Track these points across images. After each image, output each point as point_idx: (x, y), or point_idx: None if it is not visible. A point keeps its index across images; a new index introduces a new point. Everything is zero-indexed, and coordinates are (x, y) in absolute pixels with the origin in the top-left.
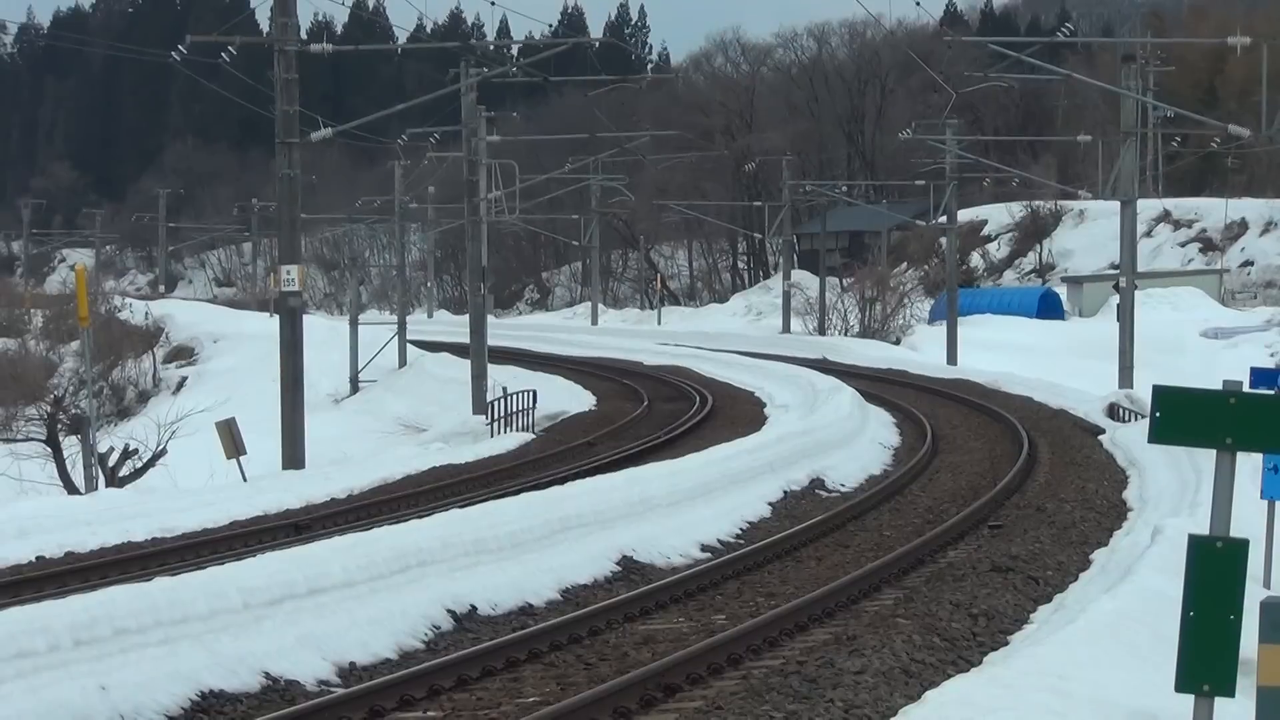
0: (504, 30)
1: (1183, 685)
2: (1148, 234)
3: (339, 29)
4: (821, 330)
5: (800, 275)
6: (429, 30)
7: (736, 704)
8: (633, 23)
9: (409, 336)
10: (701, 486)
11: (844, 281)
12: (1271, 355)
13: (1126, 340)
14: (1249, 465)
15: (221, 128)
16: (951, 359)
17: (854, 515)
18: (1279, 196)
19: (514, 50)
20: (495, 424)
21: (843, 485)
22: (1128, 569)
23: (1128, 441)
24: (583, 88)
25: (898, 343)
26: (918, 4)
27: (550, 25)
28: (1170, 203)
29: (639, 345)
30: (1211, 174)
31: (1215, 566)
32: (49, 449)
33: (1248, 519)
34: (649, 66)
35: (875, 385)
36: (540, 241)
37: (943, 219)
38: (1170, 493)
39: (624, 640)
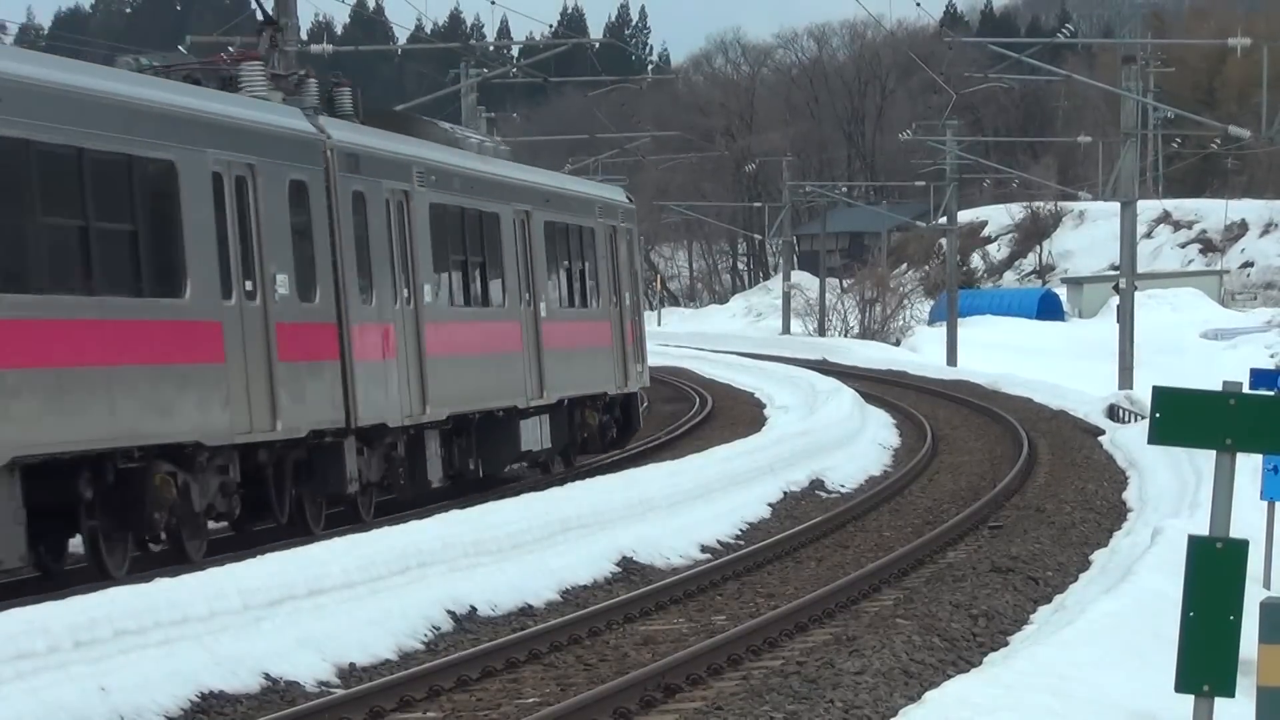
0: (504, 31)
1: (1183, 686)
2: (1148, 235)
3: (339, 29)
4: (821, 331)
5: (800, 276)
6: (429, 31)
7: (736, 704)
8: (633, 23)
9: None
10: (701, 487)
11: (844, 283)
12: (1271, 356)
13: (1126, 341)
14: (1249, 466)
15: None
16: (951, 360)
17: (854, 516)
18: (1279, 198)
19: (514, 51)
20: None
21: (843, 486)
22: (1127, 570)
23: (1127, 442)
24: (583, 88)
25: (897, 344)
26: (918, 5)
27: (550, 26)
28: (1170, 204)
29: None
30: (1211, 175)
31: (1215, 567)
32: None
33: (1247, 519)
34: (649, 67)
35: (875, 386)
36: None
37: (943, 220)
38: (1170, 493)
39: (624, 641)
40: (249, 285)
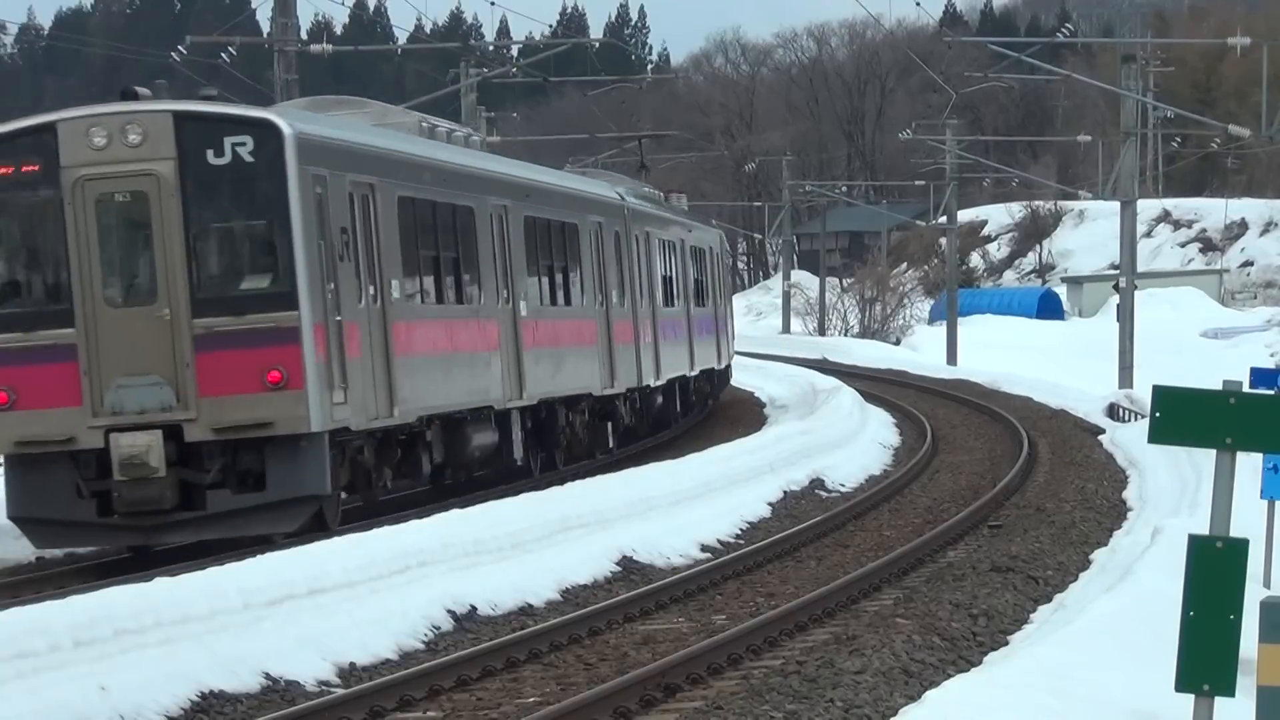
0: (504, 30)
1: (1183, 685)
2: (1148, 234)
3: (339, 29)
4: (821, 330)
5: (800, 275)
6: (429, 30)
7: (736, 704)
8: (632, 23)
9: None
10: (702, 486)
11: (844, 282)
12: (1271, 355)
13: (1126, 340)
14: (1249, 465)
15: None
16: (951, 359)
17: (854, 515)
18: (1279, 196)
19: (514, 50)
20: None
21: (843, 485)
22: (1128, 569)
23: (1127, 441)
24: (583, 88)
25: (898, 343)
26: (918, 4)
27: (550, 25)
28: (1170, 203)
29: None
30: (1211, 174)
31: (1215, 566)
32: None
33: (1248, 519)
34: (649, 67)
35: (875, 385)
36: None
37: (943, 219)
38: (1170, 493)
39: (624, 640)
40: (711, 300)
